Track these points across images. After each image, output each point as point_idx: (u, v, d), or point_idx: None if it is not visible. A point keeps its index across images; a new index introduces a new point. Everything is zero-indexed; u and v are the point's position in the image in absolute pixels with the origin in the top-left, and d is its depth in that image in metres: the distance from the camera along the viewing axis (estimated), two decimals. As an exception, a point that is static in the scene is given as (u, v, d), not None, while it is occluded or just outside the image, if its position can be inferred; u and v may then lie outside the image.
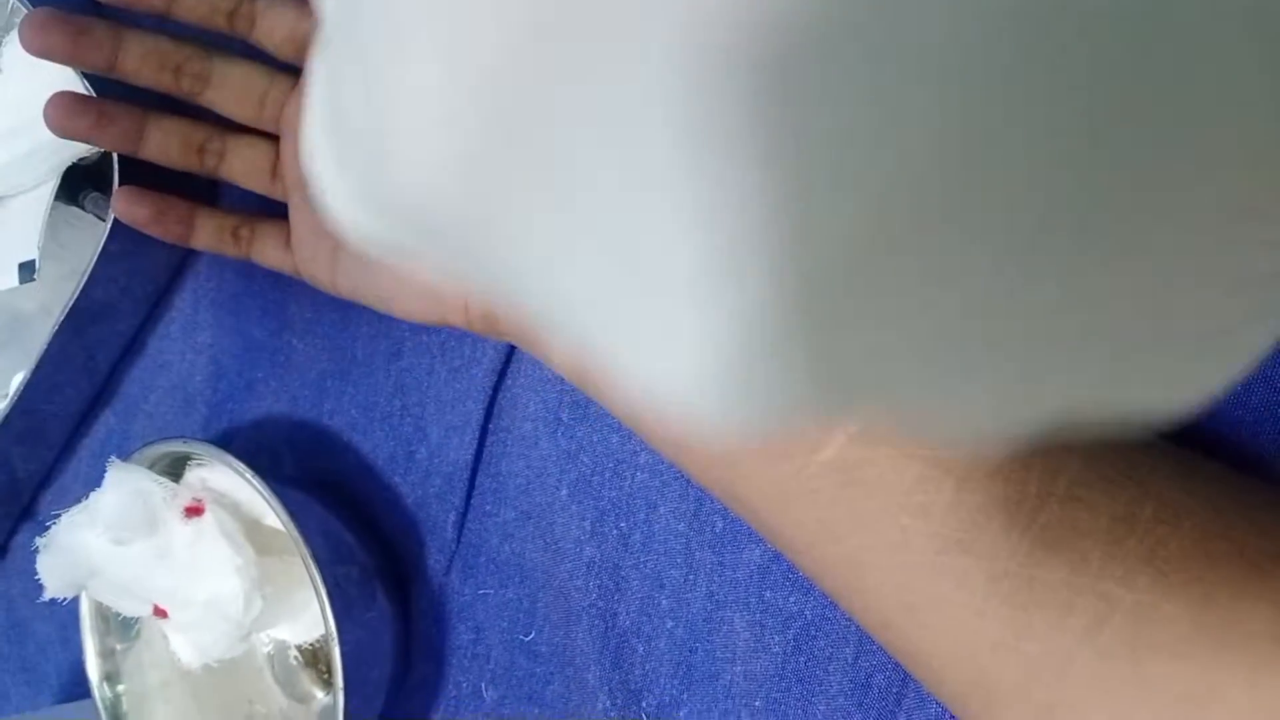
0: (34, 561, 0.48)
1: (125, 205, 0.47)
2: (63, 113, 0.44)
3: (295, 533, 0.44)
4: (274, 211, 0.47)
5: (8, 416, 0.54)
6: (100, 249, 0.49)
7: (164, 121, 0.46)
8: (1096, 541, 0.30)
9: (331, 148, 0.19)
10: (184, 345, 0.56)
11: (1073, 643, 0.29)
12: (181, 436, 0.49)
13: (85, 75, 0.47)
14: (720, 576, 0.41)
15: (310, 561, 0.43)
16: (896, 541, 0.32)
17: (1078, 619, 0.29)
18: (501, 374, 0.46)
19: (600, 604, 0.44)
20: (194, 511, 0.46)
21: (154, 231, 0.47)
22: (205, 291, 0.55)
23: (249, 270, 0.49)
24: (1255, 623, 0.27)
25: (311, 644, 0.51)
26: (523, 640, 0.47)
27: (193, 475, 0.49)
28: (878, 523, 0.32)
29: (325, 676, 0.53)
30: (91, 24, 0.43)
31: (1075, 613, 0.29)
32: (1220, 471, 0.32)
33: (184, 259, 0.55)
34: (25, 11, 0.44)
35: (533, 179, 0.15)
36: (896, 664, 0.37)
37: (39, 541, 0.48)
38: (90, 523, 0.46)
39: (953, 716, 0.36)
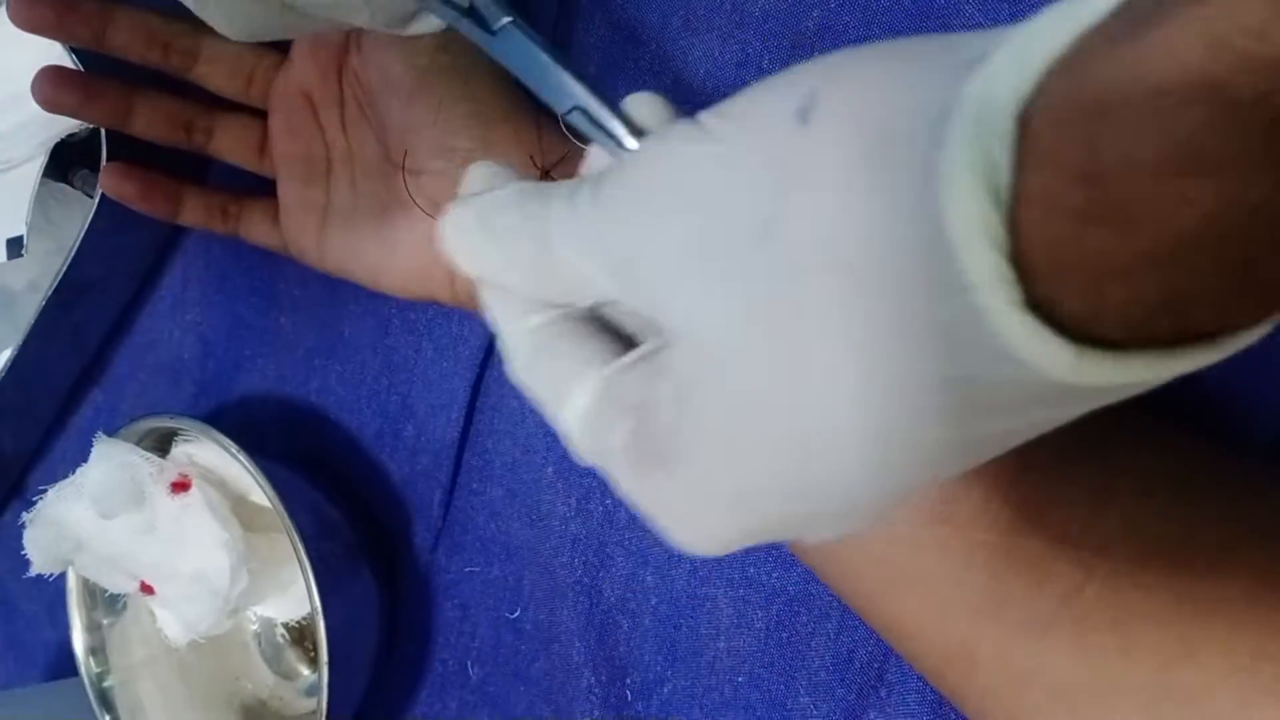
0: (21, 539, 0.48)
1: (112, 180, 0.47)
2: (50, 86, 0.44)
3: (281, 509, 0.44)
4: (262, 188, 0.47)
5: (-5, 392, 0.54)
6: (88, 225, 0.49)
7: (152, 97, 0.46)
8: (1076, 512, 0.30)
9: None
10: (172, 323, 0.56)
11: (1051, 610, 0.29)
12: (169, 412, 0.49)
13: (73, 50, 0.47)
14: (704, 553, 0.41)
15: (296, 537, 0.43)
16: None
17: (1055, 586, 0.29)
18: (488, 352, 0.46)
19: (585, 581, 0.44)
20: (180, 487, 0.46)
21: (141, 207, 0.47)
22: (194, 269, 0.55)
23: (237, 248, 0.49)
24: (1229, 588, 0.28)
25: (298, 621, 0.51)
26: (508, 617, 0.47)
27: (179, 451, 0.49)
28: None
29: (312, 654, 0.53)
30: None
31: (1053, 581, 0.29)
32: (1195, 444, 0.32)
33: (172, 236, 0.55)
34: (13, -14, 0.44)
35: None
36: (878, 639, 0.37)
37: (25, 517, 0.48)
38: (77, 497, 0.46)
39: (933, 690, 0.36)
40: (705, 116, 0.24)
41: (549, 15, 0.43)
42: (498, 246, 0.27)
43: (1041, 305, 0.18)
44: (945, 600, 0.31)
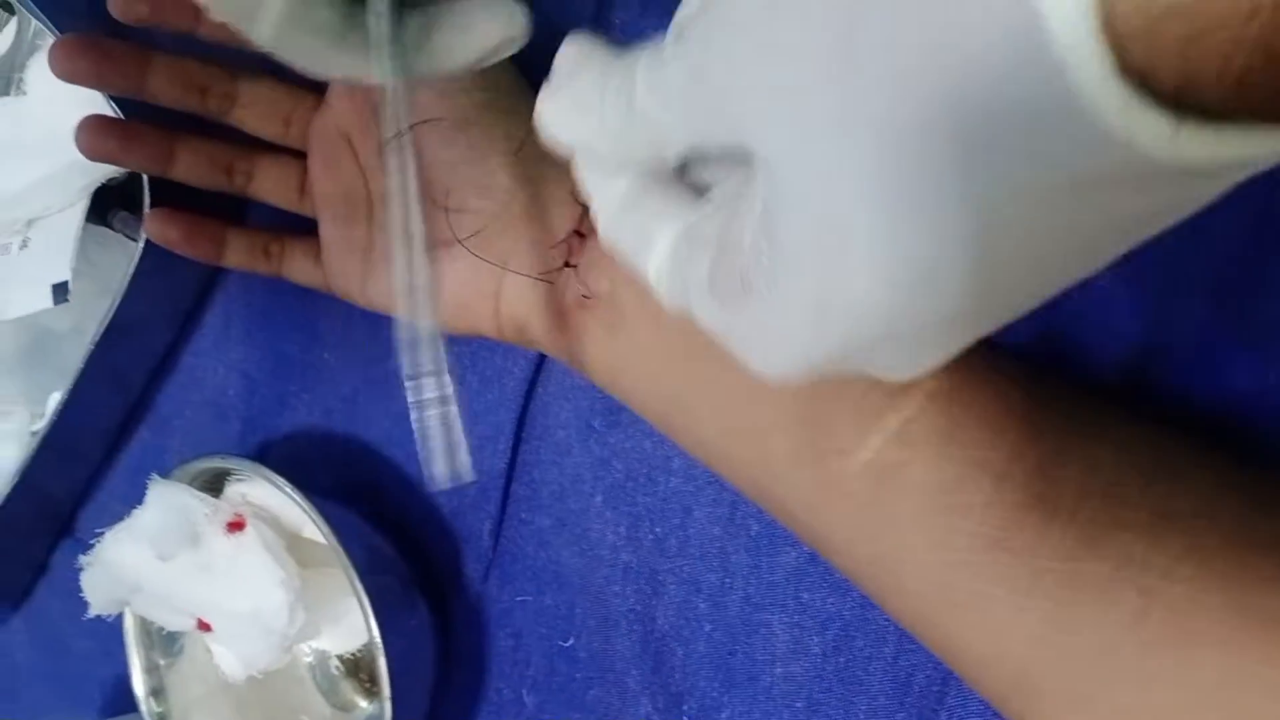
0: (74, 578, 0.49)
1: (157, 226, 0.47)
2: (92, 135, 0.45)
3: (337, 544, 0.44)
4: (302, 227, 0.47)
5: (46, 435, 0.55)
6: (134, 269, 0.50)
7: (192, 142, 0.46)
8: (1137, 535, 0.30)
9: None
10: (216, 361, 0.57)
11: (1115, 635, 0.29)
12: (220, 452, 0.50)
13: (111, 97, 0.47)
14: (757, 579, 0.42)
15: (352, 572, 0.44)
16: (936, 541, 0.32)
17: (1120, 612, 0.29)
18: (533, 383, 0.47)
19: (638, 608, 0.44)
20: (236, 526, 0.46)
21: (186, 251, 0.47)
22: (236, 307, 0.55)
23: (278, 285, 0.49)
24: None
25: (353, 654, 0.52)
26: (561, 646, 0.47)
27: (233, 490, 0.49)
28: (916, 522, 0.32)
29: (367, 685, 0.53)
30: (118, 47, 0.43)
31: (1117, 606, 0.29)
32: (1253, 470, 0.32)
33: (214, 276, 0.56)
34: (48, 33, 0.45)
35: None
36: (937, 661, 0.38)
37: (82, 559, 0.48)
38: (133, 539, 0.46)
39: (995, 713, 0.37)
40: None
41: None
42: (587, 114, 0.29)
43: (1135, 73, 0.17)
44: (1007, 626, 0.31)
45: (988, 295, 0.22)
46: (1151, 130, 0.17)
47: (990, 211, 0.20)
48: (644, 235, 0.29)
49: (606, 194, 0.31)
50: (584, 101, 0.29)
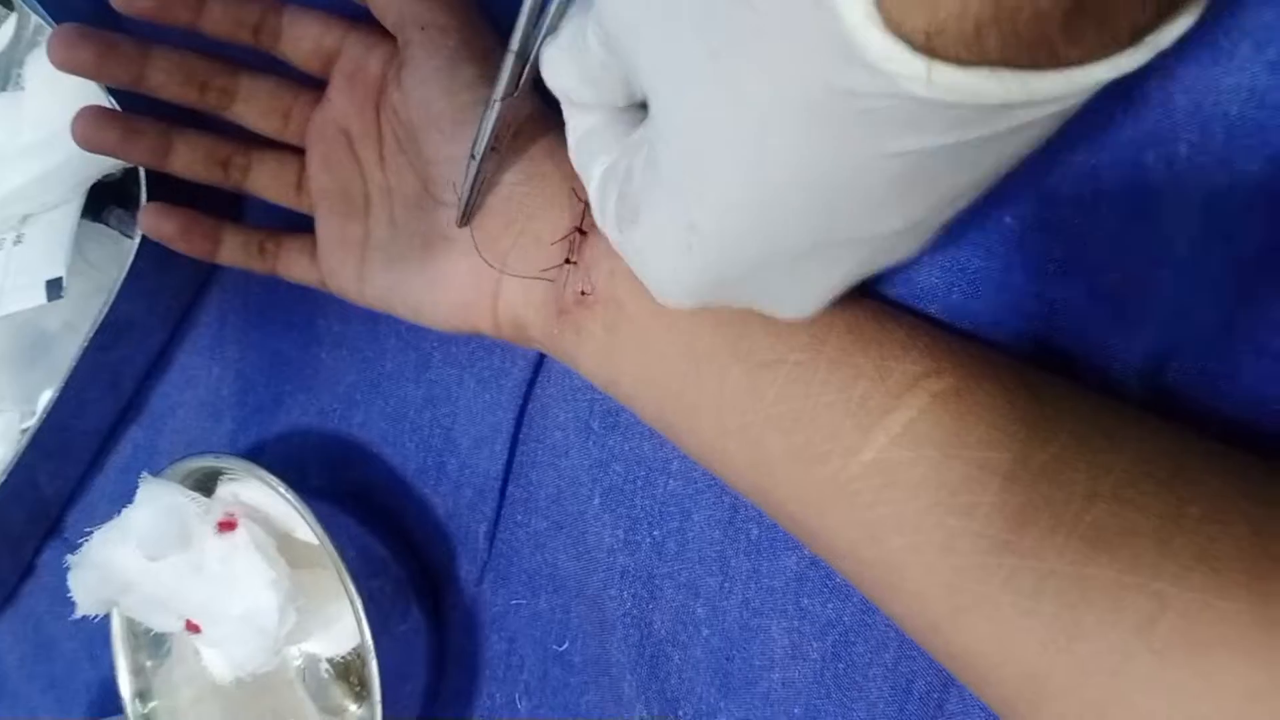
0: (62, 579, 0.48)
1: (152, 220, 0.47)
2: (89, 126, 0.44)
3: (330, 546, 0.44)
4: (298, 225, 0.47)
5: (36, 434, 0.54)
6: (129, 266, 0.49)
7: (190, 136, 0.46)
8: (1147, 540, 0.29)
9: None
10: (211, 359, 0.56)
11: (1126, 640, 0.29)
12: (213, 451, 0.49)
13: (110, 91, 0.47)
14: (756, 584, 0.41)
15: (345, 575, 0.43)
16: (941, 543, 0.32)
17: (1130, 617, 0.29)
18: (531, 384, 0.46)
19: (635, 613, 0.44)
20: (227, 526, 0.46)
21: (181, 247, 0.47)
22: (231, 305, 0.55)
23: (274, 283, 0.49)
24: None
25: (343, 657, 0.51)
26: (556, 650, 0.47)
27: (225, 490, 0.48)
28: (921, 524, 0.32)
29: (357, 689, 0.52)
30: (118, 39, 0.43)
31: (1127, 611, 0.29)
32: (1268, 469, 0.31)
33: (209, 274, 0.55)
34: (48, 29, 0.44)
35: None
36: (938, 668, 0.37)
37: (70, 559, 0.48)
38: (123, 539, 0.46)
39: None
40: None
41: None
42: (570, 58, 0.33)
43: (896, 25, 0.21)
44: (1014, 631, 0.31)
45: (827, 231, 0.27)
46: (908, 68, 0.21)
47: (806, 145, 0.24)
48: (586, 168, 0.34)
49: (572, 128, 0.35)
50: (567, 45, 0.33)
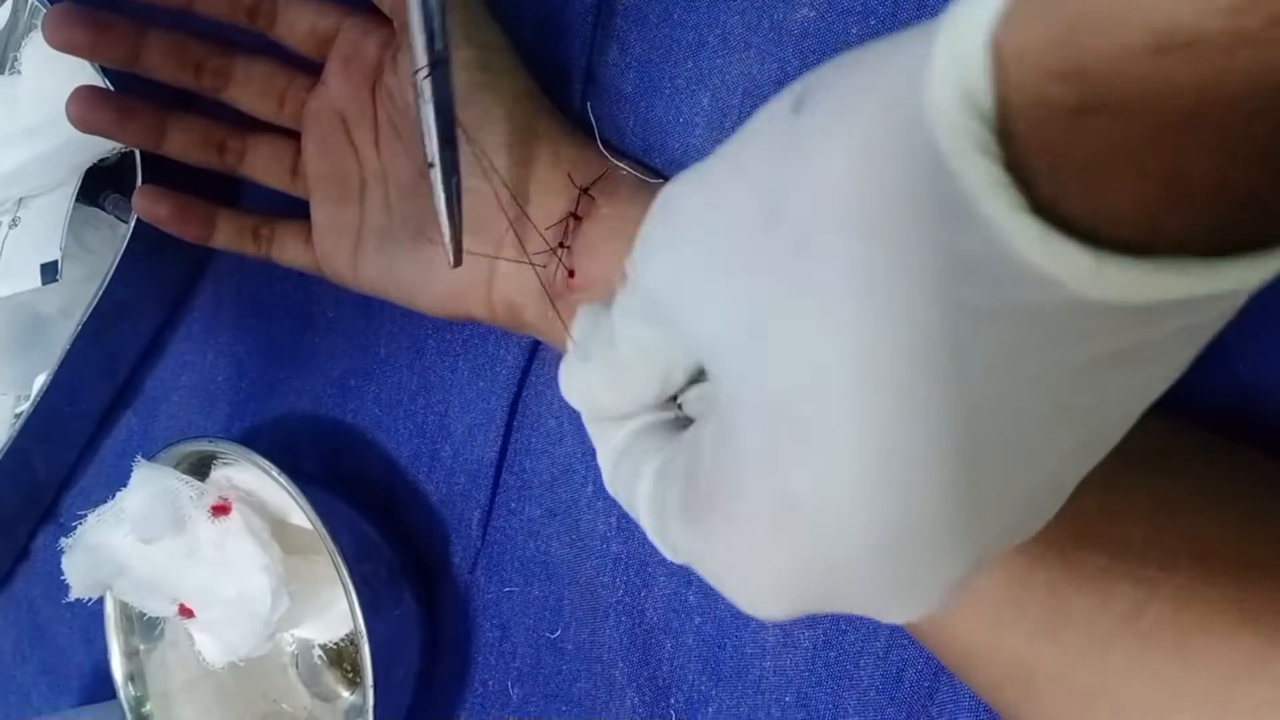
0: (55, 563, 0.48)
1: (146, 203, 0.47)
2: (85, 106, 0.44)
3: (323, 531, 0.44)
4: (294, 209, 0.47)
5: (30, 418, 0.54)
6: (123, 249, 0.49)
7: (184, 119, 0.46)
8: (1136, 528, 0.29)
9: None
10: (205, 345, 0.56)
11: (1113, 628, 0.29)
12: (207, 436, 0.49)
13: (106, 74, 0.47)
14: (749, 571, 0.41)
15: (338, 560, 0.43)
16: None
17: (1118, 604, 0.29)
18: (525, 371, 0.46)
19: (627, 600, 0.44)
20: (221, 510, 0.46)
21: (174, 230, 0.47)
22: (226, 290, 0.55)
23: (269, 269, 0.48)
24: None
25: (336, 642, 0.51)
26: (549, 637, 0.47)
27: (219, 474, 0.48)
28: None
29: (349, 675, 0.53)
30: (114, 19, 0.43)
31: (1115, 598, 0.29)
32: (1257, 457, 0.31)
33: (204, 259, 0.55)
34: (44, 12, 0.44)
35: None
36: (929, 657, 0.37)
37: (64, 542, 0.48)
38: (117, 522, 0.46)
39: (986, 708, 0.36)
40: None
41: (584, 33, 0.43)
42: (586, 366, 0.29)
43: (1048, 209, 0.17)
44: (1002, 618, 0.31)
45: (974, 486, 0.20)
46: (1071, 265, 0.16)
47: (957, 381, 0.19)
48: (632, 481, 0.28)
49: (606, 446, 0.30)
50: (596, 354, 0.29)
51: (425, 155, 0.35)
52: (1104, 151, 0.16)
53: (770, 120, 0.22)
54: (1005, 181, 0.17)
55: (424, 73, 0.32)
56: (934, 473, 0.20)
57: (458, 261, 0.38)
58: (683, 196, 0.25)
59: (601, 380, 0.29)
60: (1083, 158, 0.16)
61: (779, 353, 0.21)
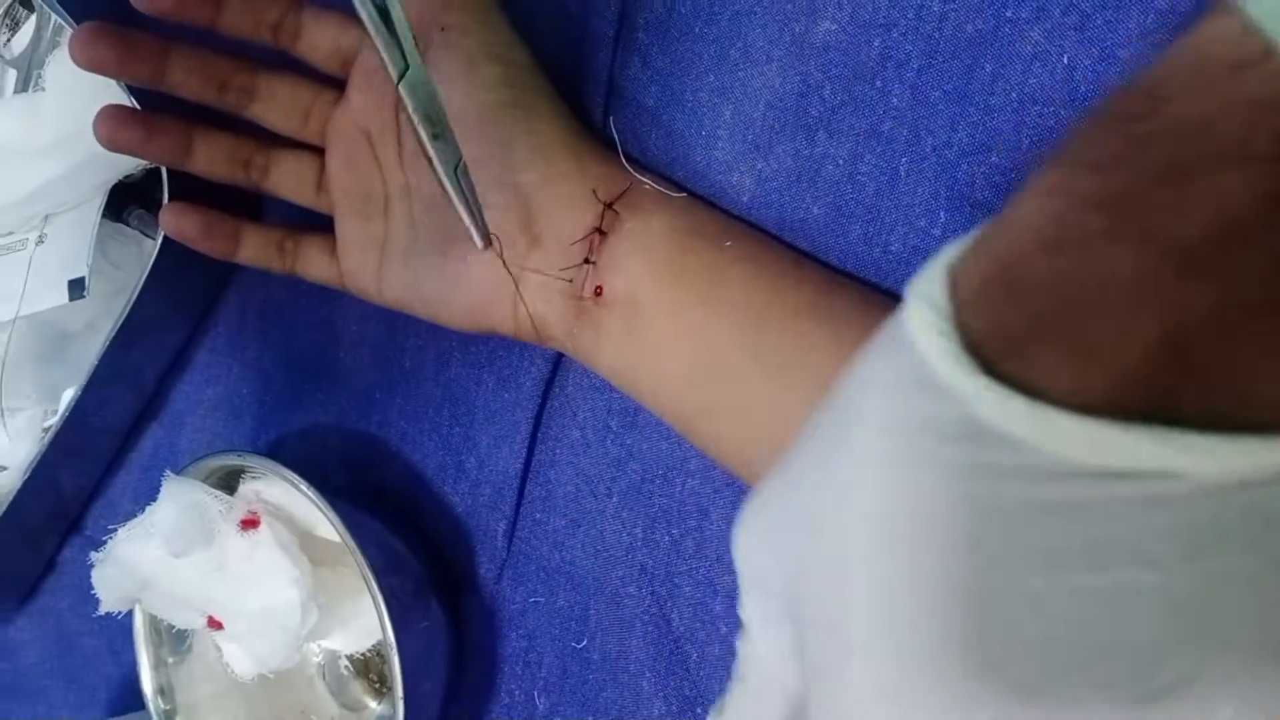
0: (83, 576, 0.49)
1: (173, 220, 0.47)
2: (111, 125, 0.45)
3: (352, 544, 0.44)
4: (319, 224, 0.47)
5: (58, 432, 0.55)
6: (151, 265, 0.50)
7: (210, 135, 0.46)
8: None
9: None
10: (231, 359, 0.56)
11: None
12: (236, 450, 0.50)
13: (131, 91, 0.47)
14: (774, 581, 0.41)
15: (367, 572, 0.44)
16: None
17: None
18: (549, 382, 0.47)
19: (653, 610, 0.44)
20: (250, 524, 0.46)
21: (201, 246, 0.47)
22: (251, 304, 0.55)
23: (294, 283, 0.49)
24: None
25: (363, 653, 0.51)
26: (575, 648, 0.47)
27: (247, 488, 0.49)
28: None
29: (376, 685, 0.53)
30: (139, 38, 0.43)
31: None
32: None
33: (230, 274, 0.56)
34: (69, 30, 0.44)
35: None
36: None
37: (94, 556, 0.48)
38: (146, 536, 0.46)
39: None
40: None
41: (606, 48, 0.43)
42: None
43: (1011, 378, 0.20)
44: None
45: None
46: (1019, 417, 0.19)
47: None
48: None
49: None
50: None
51: (422, 150, 0.36)
52: (1031, 327, 0.20)
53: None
54: (956, 351, 0.20)
55: (400, 85, 0.34)
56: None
57: (486, 243, 0.38)
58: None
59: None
60: (1020, 332, 0.20)
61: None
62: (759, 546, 0.26)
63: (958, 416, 0.20)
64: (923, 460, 0.21)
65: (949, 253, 0.22)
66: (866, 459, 0.22)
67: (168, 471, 0.48)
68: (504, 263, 0.40)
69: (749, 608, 0.27)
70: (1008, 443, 0.19)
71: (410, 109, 0.34)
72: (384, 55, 0.33)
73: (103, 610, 0.48)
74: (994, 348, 0.20)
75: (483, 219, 0.38)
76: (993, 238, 0.21)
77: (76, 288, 0.51)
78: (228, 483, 0.50)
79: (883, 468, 0.21)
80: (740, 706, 0.28)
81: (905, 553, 0.21)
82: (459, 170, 0.36)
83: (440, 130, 0.35)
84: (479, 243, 0.38)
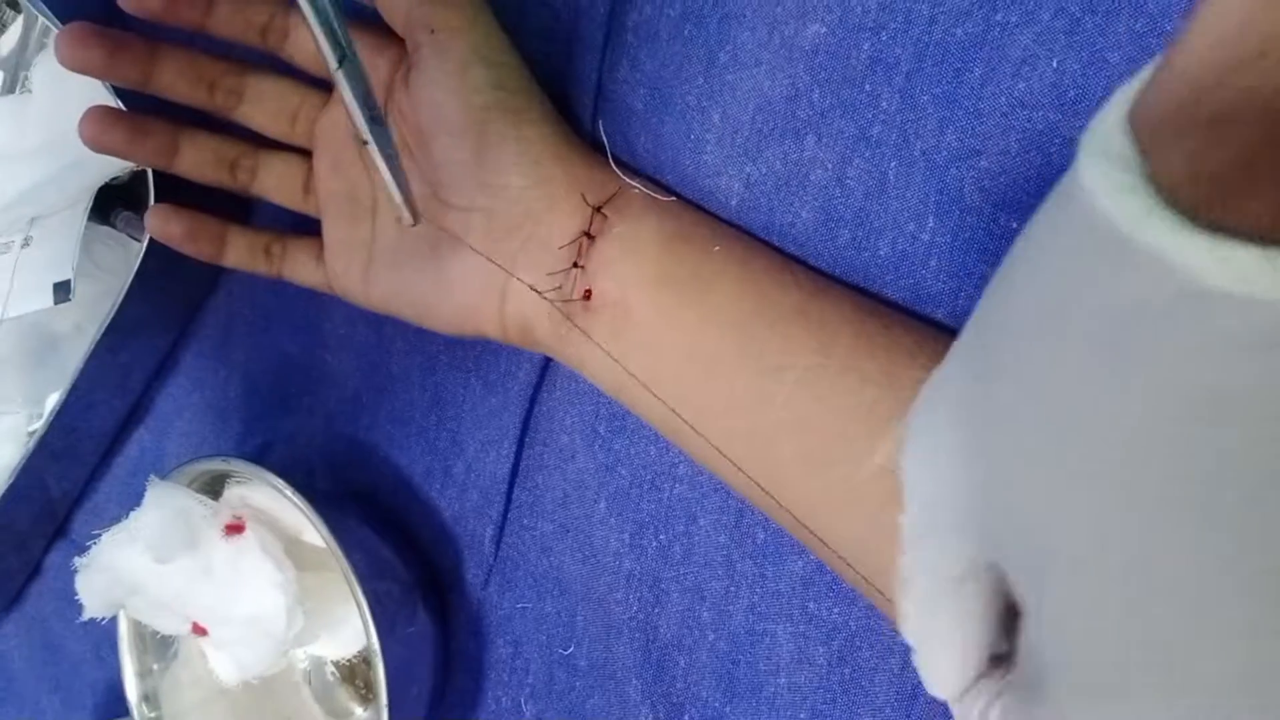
0: (68, 580, 0.48)
1: (159, 222, 0.47)
2: (97, 126, 0.44)
3: (338, 550, 0.44)
4: (306, 228, 0.47)
5: (44, 436, 0.54)
6: (137, 268, 0.49)
7: (197, 137, 0.46)
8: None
9: None
10: (217, 362, 0.56)
11: None
12: (221, 454, 0.49)
13: (118, 94, 0.47)
14: (762, 588, 0.41)
15: (352, 577, 0.43)
16: None
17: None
18: (537, 387, 0.46)
19: (640, 617, 0.44)
20: (234, 529, 0.46)
21: (187, 249, 0.47)
22: (238, 308, 0.55)
23: (281, 286, 0.49)
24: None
25: (349, 660, 0.51)
26: (562, 654, 0.47)
27: (232, 493, 0.49)
28: None
29: (362, 692, 0.53)
30: (126, 39, 0.43)
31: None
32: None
33: (216, 277, 0.55)
34: (55, 32, 0.44)
35: None
36: (945, 674, 0.37)
37: (78, 561, 0.48)
38: (131, 542, 0.46)
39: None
40: None
41: (594, 51, 0.43)
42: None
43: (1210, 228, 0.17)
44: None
45: None
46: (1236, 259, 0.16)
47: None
48: None
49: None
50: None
51: (358, 135, 0.36)
52: (1236, 160, 0.16)
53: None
54: (1157, 208, 0.17)
55: (339, 72, 0.34)
56: None
57: (416, 220, 0.38)
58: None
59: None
60: (1218, 169, 0.17)
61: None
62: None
63: (1177, 289, 0.17)
64: (1165, 359, 0.17)
65: (1121, 95, 0.19)
66: (1089, 388, 0.19)
67: (152, 476, 0.47)
68: (488, 258, 0.40)
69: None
70: (1247, 308, 0.16)
71: (348, 95, 0.34)
72: (322, 44, 0.33)
73: (87, 616, 0.48)
74: (1191, 195, 0.17)
75: (411, 196, 0.38)
76: (1179, 59, 0.17)
77: (62, 291, 0.51)
78: (213, 487, 0.50)
79: (1114, 392, 0.18)
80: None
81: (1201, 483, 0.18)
82: (391, 154, 0.37)
83: (377, 114, 0.35)
84: (408, 218, 0.38)
